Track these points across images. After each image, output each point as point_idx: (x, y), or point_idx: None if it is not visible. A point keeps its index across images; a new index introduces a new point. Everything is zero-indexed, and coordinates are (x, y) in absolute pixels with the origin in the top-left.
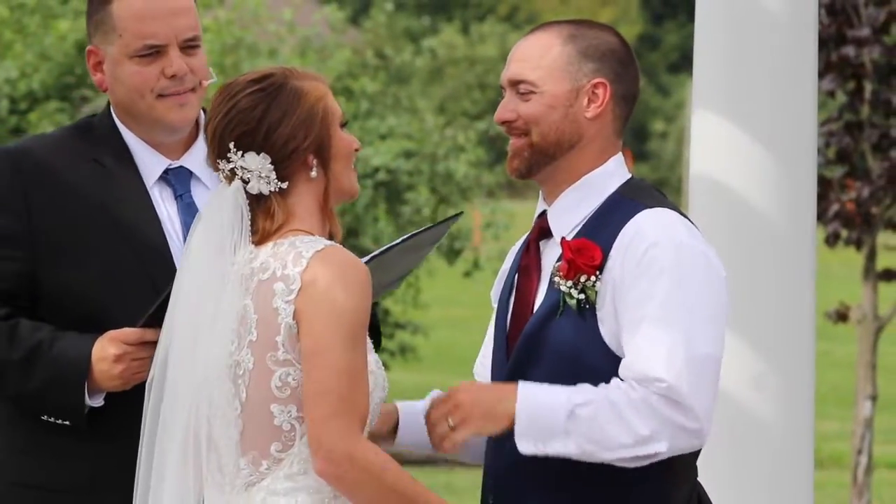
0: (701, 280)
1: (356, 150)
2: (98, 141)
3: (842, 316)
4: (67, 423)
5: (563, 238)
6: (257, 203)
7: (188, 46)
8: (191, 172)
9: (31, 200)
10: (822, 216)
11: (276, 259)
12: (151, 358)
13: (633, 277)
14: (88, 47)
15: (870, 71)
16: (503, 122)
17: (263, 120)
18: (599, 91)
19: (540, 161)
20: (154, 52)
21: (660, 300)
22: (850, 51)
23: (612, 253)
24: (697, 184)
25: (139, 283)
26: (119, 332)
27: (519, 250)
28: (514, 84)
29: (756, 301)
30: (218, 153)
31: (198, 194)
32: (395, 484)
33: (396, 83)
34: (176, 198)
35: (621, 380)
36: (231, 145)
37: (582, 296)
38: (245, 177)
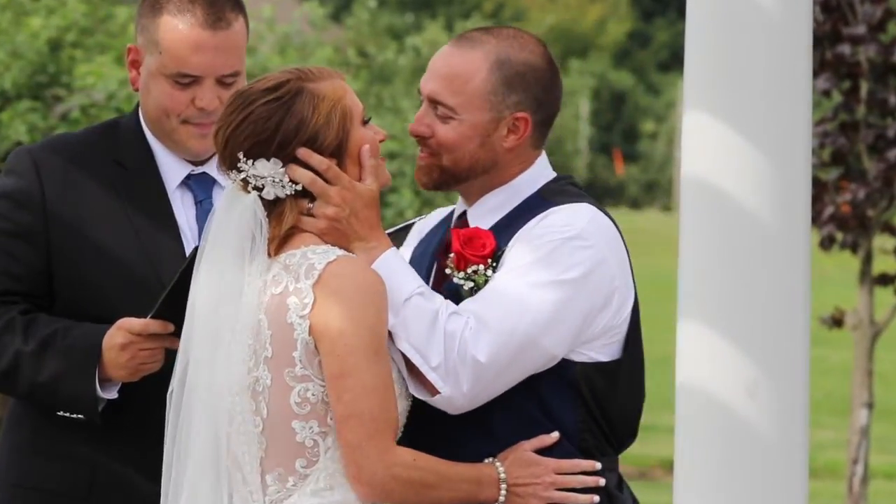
0: (567, 275)
1: (381, 140)
2: (122, 142)
3: (837, 321)
4: (82, 416)
5: (453, 228)
6: (273, 208)
7: (226, 80)
8: (214, 180)
9: (49, 199)
10: (816, 219)
11: (288, 272)
12: (158, 350)
13: (519, 242)
14: (131, 44)
15: (866, 70)
16: (417, 136)
17: (278, 130)
18: (520, 125)
19: (450, 182)
20: (189, 81)
21: (527, 263)
22: (845, 49)
23: (511, 242)
24: (688, 185)
25: (151, 287)
26: (126, 320)
27: (434, 244)
28: (433, 102)
29: (748, 306)
30: (229, 164)
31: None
32: (438, 481)
33: (379, 82)
34: (196, 203)
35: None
36: (240, 155)
37: (472, 283)
38: (259, 184)
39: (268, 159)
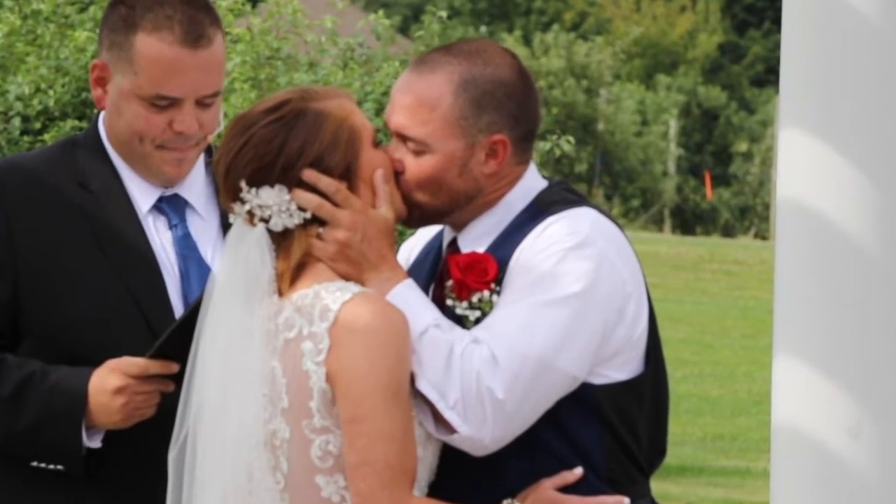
0: (573, 289)
1: (396, 167)
2: (83, 164)
3: None
4: (61, 467)
5: (450, 253)
6: (282, 240)
7: (205, 101)
8: (186, 202)
9: (13, 225)
10: None
11: (301, 314)
12: (154, 394)
13: (521, 260)
14: (96, 60)
15: None
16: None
17: (281, 152)
18: (499, 148)
19: (432, 218)
20: (167, 104)
21: (532, 281)
22: None
23: (512, 261)
24: (785, 210)
25: (132, 320)
26: (121, 361)
27: (425, 274)
28: (402, 137)
29: (850, 341)
30: (232, 196)
31: (193, 225)
32: None
33: None
34: (170, 227)
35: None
36: (243, 183)
37: (478, 312)
38: (265, 215)
39: (272, 186)
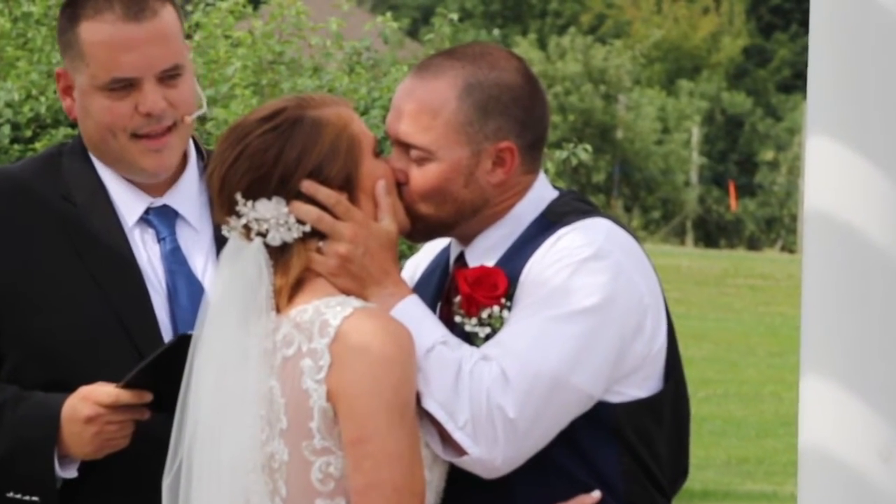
0: (588, 305)
1: (398, 178)
2: (68, 175)
3: None
4: (36, 499)
5: (458, 268)
6: (280, 255)
7: (168, 77)
8: (176, 213)
9: None
10: None
11: (300, 331)
12: (127, 424)
13: (532, 274)
14: (58, 69)
15: None
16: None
17: (278, 163)
18: (506, 156)
19: (437, 231)
20: (126, 86)
21: (544, 295)
22: None
23: (524, 274)
24: (813, 221)
25: (117, 339)
26: (92, 389)
27: (431, 291)
28: (404, 145)
29: (881, 359)
30: (227, 209)
31: (183, 237)
32: None
33: None
34: (158, 241)
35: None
36: (238, 196)
37: (488, 329)
38: (262, 229)
39: (269, 198)
